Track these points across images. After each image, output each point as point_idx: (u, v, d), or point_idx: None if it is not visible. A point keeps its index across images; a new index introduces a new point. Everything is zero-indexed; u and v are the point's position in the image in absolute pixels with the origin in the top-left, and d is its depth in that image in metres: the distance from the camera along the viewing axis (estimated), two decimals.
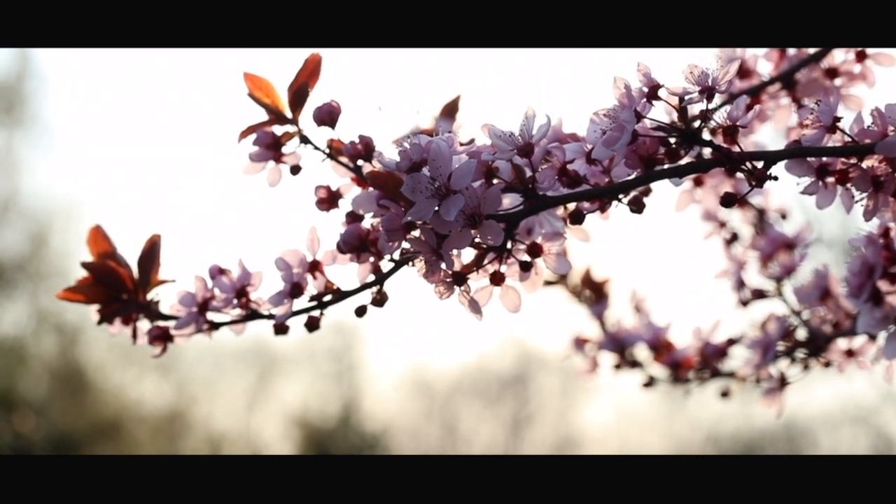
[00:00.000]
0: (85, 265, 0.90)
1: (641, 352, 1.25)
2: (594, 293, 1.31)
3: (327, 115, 0.89)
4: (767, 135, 1.19)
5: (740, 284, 1.16)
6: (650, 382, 1.24)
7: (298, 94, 0.91)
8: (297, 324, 0.89)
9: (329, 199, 0.90)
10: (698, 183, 1.09)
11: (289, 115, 0.92)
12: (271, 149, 0.91)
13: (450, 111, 1.12)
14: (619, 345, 1.26)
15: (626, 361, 1.26)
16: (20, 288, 10.03)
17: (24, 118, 9.76)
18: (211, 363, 12.47)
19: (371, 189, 0.84)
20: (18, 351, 9.81)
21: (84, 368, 10.79)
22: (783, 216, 1.20)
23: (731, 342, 1.16)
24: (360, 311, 0.87)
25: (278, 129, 0.92)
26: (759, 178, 0.81)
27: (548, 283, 1.33)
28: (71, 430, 9.29)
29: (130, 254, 0.93)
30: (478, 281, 0.84)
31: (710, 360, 1.16)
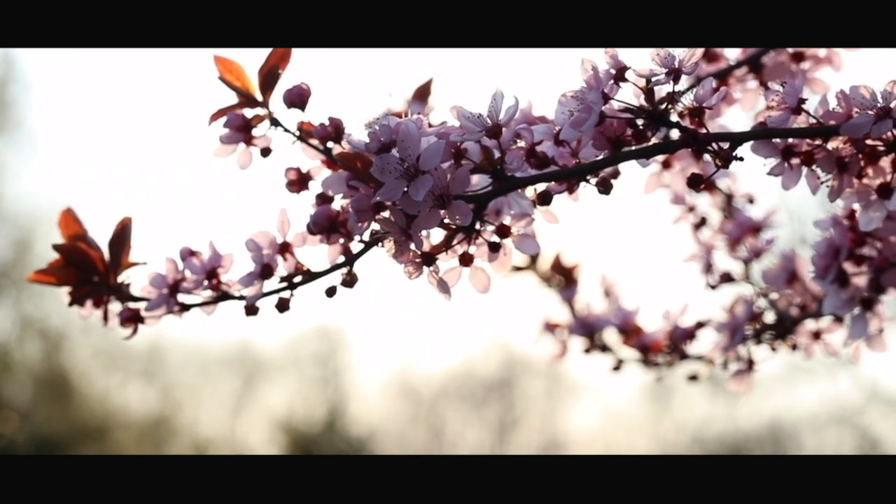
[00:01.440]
0: (56, 247, 0.90)
1: (611, 336, 1.26)
2: (564, 278, 1.32)
3: (297, 98, 0.89)
4: (735, 119, 1.20)
5: (709, 268, 1.17)
6: (619, 366, 1.25)
7: (269, 77, 0.91)
8: (267, 305, 0.89)
9: (299, 181, 0.91)
10: (666, 166, 1.10)
11: (259, 97, 0.92)
12: (242, 131, 0.92)
13: (422, 94, 1.13)
14: (588, 329, 1.27)
15: (596, 345, 1.27)
16: (4, 294, 10.00)
17: (7, 124, 9.74)
18: (196, 368, 12.45)
19: (341, 171, 0.85)
20: (2, 357, 9.78)
21: (68, 374, 10.76)
22: (750, 201, 1.21)
23: (700, 325, 1.16)
24: (330, 292, 0.88)
25: (249, 112, 0.92)
26: (725, 159, 0.82)
27: (517, 268, 1.34)
28: (55, 434, 9.26)
29: (102, 237, 0.93)
30: (447, 262, 0.85)
31: (679, 343, 1.17)
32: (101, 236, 0.93)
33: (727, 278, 1.15)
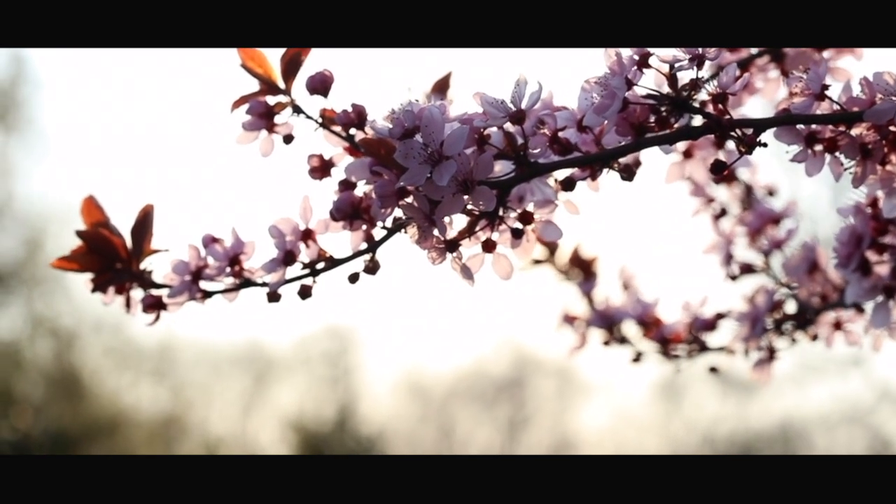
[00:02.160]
0: (79, 233, 0.90)
1: (630, 328, 1.26)
2: (582, 271, 1.32)
3: (320, 84, 0.90)
4: (756, 109, 1.20)
5: (729, 259, 1.17)
6: (638, 358, 1.25)
7: (291, 64, 0.91)
8: (289, 292, 0.89)
9: (322, 168, 0.91)
10: (688, 155, 1.10)
11: (281, 85, 0.92)
12: (264, 118, 0.92)
13: (441, 88, 1.13)
14: (607, 321, 1.27)
15: (615, 338, 1.27)
16: (15, 293, 10.02)
17: (18, 123, 9.76)
18: (207, 367, 12.47)
19: (364, 157, 0.85)
20: (14, 356, 9.80)
21: (79, 373, 10.77)
22: (770, 193, 1.20)
23: (720, 316, 1.16)
24: (353, 278, 0.88)
25: (271, 100, 0.92)
26: (748, 145, 0.81)
27: (536, 261, 1.33)
28: (67, 434, 9.28)
29: (124, 226, 0.93)
30: (470, 248, 0.85)
31: (699, 335, 1.16)
32: (122, 226, 0.93)
33: (747, 269, 1.14)
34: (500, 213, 0.84)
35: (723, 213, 1.19)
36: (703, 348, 1.17)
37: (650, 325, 1.23)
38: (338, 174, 0.90)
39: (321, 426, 12.99)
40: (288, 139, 0.92)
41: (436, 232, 0.82)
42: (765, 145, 0.82)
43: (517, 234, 0.84)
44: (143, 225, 0.92)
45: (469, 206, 0.82)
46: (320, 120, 0.91)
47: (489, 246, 0.85)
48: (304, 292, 0.89)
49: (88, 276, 0.92)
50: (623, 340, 1.26)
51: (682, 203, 1.19)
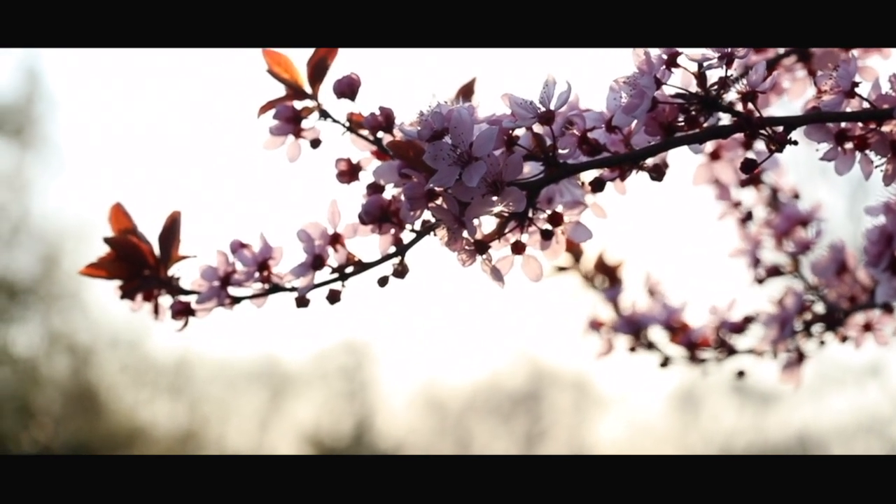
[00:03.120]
0: (107, 240, 0.90)
1: (657, 333, 1.25)
2: (608, 277, 1.31)
3: (347, 88, 0.90)
4: (781, 112, 1.19)
5: (756, 262, 1.16)
6: (666, 363, 1.24)
7: (318, 69, 0.91)
8: (318, 297, 0.89)
9: (350, 172, 0.91)
10: (715, 157, 1.09)
11: (308, 89, 0.92)
12: (291, 123, 0.92)
13: (465, 93, 1.13)
14: (634, 327, 1.26)
15: (642, 343, 1.26)
16: (32, 309, 10.04)
17: (34, 140, 9.79)
18: (223, 383, 12.48)
19: (392, 160, 0.85)
20: (31, 372, 9.82)
21: (96, 389, 10.79)
22: (796, 196, 1.20)
23: (749, 319, 1.15)
24: (383, 282, 0.88)
25: (298, 104, 0.92)
26: (779, 143, 0.81)
27: (561, 268, 1.33)
28: (86, 448, 9.28)
29: (151, 234, 0.93)
30: (499, 250, 0.84)
31: (727, 338, 1.16)
32: (149, 235, 0.93)
33: (775, 272, 1.13)
34: (530, 214, 0.83)
35: (749, 216, 1.18)
36: (732, 352, 1.16)
37: (677, 329, 1.22)
38: (366, 178, 0.90)
39: (338, 441, 12.99)
40: (315, 143, 0.92)
41: (465, 234, 0.82)
42: (795, 143, 0.82)
43: (547, 236, 0.84)
44: (171, 231, 0.92)
45: (498, 208, 0.82)
46: (347, 124, 0.91)
47: (519, 248, 0.84)
48: (333, 297, 0.89)
49: (116, 283, 0.92)
50: (650, 346, 1.26)
51: (707, 207, 1.19)
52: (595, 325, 1.29)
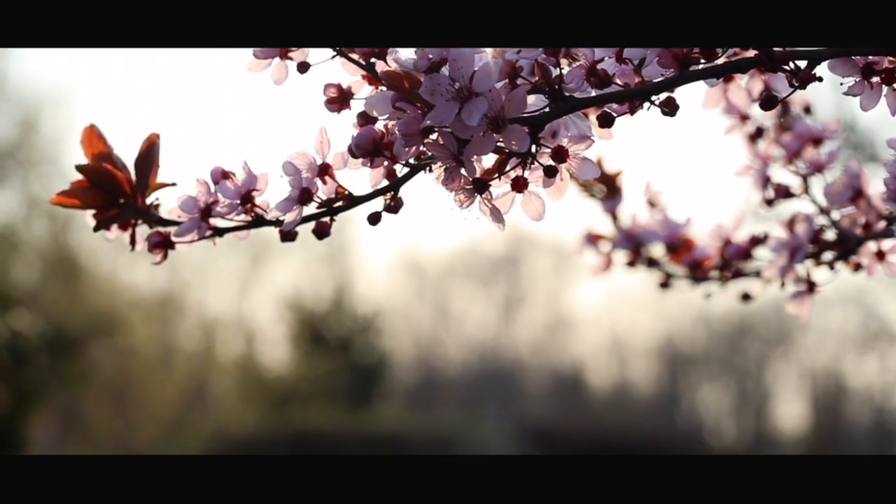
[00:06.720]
0: (79, 168, 0.84)
1: (657, 250, 1.19)
2: (606, 187, 1.24)
3: None
4: None
5: (765, 182, 1.09)
6: (667, 282, 1.18)
7: None
8: (304, 229, 0.84)
9: (340, 99, 0.84)
10: (728, 80, 1.02)
11: None
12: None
13: None
14: (633, 242, 1.20)
15: (641, 259, 1.20)
16: (11, 175, 9.97)
17: None
18: (203, 247, 12.48)
19: (385, 89, 0.79)
20: (10, 238, 9.78)
21: (76, 255, 10.79)
22: (807, 110, 1.13)
23: (756, 241, 1.09)
24: (374, 219, 0.82)
25: None
26: (802, 80, 0.76)
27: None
28: (65, 318, 9.28)
29: (127, 155, 0.87)
30: (499, 187, 0.79)
31: (733, 261, 1.10)
32: (127, 155, 0.87)
33: (785, 193, 1.07)
34: (533, 149, 0.78)
35: (759, 132, 1.11)
36: (737, 274, 1.11)
37: (680, 247, 1.17)
38: (357, 105, 0.84)
39: (318, 305, 13.05)
40: (302, 67, 0.86)
41: (464, 172, 0.77)
42: (820, 79, 0.76)
43: (550, 173, 0.78)
44: (148, 156, 0.86)
45: (499, 145, 0.77)
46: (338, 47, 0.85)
47: (520, 185, 0.79)
48: (322, 231, 0.83)
49: (90, 212, 0.86)
50: (650, 262, 1.20)
51: (713, 120, 1.12)
52: (592, 239, 1.23)
